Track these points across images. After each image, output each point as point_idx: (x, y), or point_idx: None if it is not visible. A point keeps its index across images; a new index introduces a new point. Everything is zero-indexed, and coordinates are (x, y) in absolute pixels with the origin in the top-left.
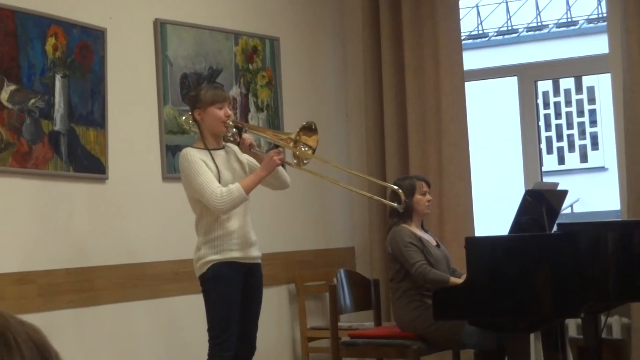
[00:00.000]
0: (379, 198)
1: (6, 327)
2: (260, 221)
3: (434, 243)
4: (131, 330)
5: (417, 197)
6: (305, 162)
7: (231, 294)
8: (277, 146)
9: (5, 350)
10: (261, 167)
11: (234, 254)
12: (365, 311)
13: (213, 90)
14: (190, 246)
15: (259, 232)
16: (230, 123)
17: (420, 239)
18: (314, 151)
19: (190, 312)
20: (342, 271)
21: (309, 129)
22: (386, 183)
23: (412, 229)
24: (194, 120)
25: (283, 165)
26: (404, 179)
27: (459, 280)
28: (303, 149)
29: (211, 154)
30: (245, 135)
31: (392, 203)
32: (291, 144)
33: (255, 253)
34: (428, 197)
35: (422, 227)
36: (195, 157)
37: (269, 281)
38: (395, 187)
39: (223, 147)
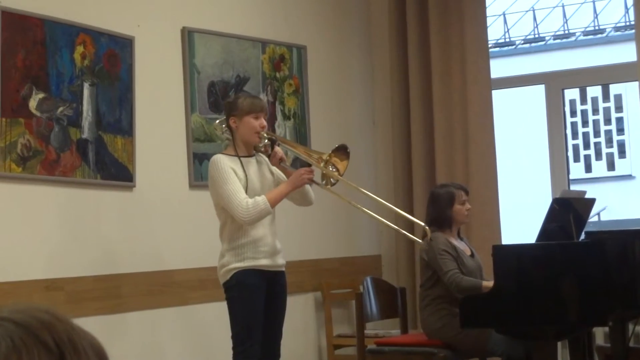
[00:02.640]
0: (405, 232)
1: (73, 333)
2: (286, 229)
3: (469, 252)
4: (158, 337)
5: (457, 206)
6: (333, 181)
7: (254, 301)
8: (309, 165)
9: (75, 355)
10: (288, 181)
11: (258, 262)
12: (392, 319)
13: (251, 100)
14: (217, 254)
15: (285, 240)
16: (264, 134)
17: (455, 248)
18: (341, 175)
19: (216, 320)
20: (368, 279)
21: (343, 151)
22: (415, 219)
23: (449, 237)
24: (228, 126)
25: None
26: (441, 187)
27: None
28: (332, 169)
29: (241, 161)
30: (277, 149)
31: (418, 239)
32: (322, 164)
33: (279, 261)
34: (467, 206)
35: (459, 235)
36: (225, 164)
37: (295, 289)
38: (423, 224)
39: (253, 155)
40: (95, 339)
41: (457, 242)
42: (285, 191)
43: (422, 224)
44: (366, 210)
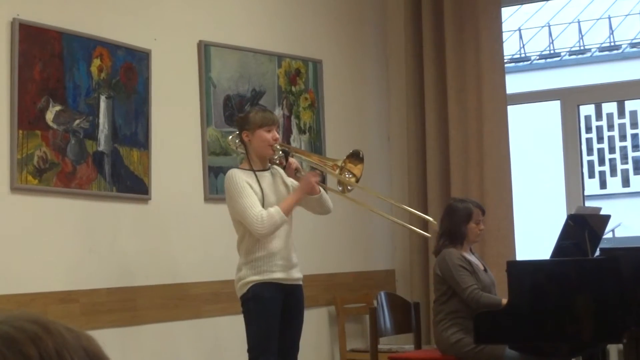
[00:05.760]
0: (413, 227)
1: (63, 346)
2: (301, 243)
3: (482, 267)
4: (173, 350)
5: (472, 225)
6: (349, 188)
7: (271, 314)
8: (314, 168)
9: None
10: (298, 188)
11: (275, 275)
12: (406, 334)
13: (262, 113)
14: (232, 267)
15: (299, 254)
16: (278, 146)
17: (469, 263)
18: (357, 180)
19: (231, 333)
20: (382, 294)
21: (356, 156)
22: (425, 215)
23: (462, 252)
24: (241, 141)
25: (326, 191)
26: (460, 201)
27: None
28: (347, 176)
29: (256, 175)
30: (291, 160)
31: (425, 233)
32: (337, 171)
33: (296, 274)
34: (481, 226)
35: (471, 251)
36: (240, 178)
37: (309, 303)
38: (431, 219)
39: (269, 169)
40: (91, 344)
41: (470, 257)
42: (296, 198)
43: (429, 218)
44: (384, 214)
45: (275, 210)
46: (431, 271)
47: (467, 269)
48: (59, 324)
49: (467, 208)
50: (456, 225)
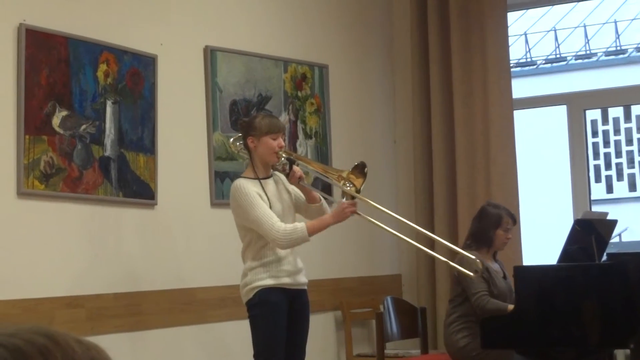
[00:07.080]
0: (455, 265)
1: (72, 358)
2: (307, 248)
3: (502, 275)
4: (179, 355)
5: (500, 231)
6: (352, 199)
7: (277, 319)
8: (352, 197)
9: None
10: (332, 215)
11: (282, 280)
12: (412, 339)
13: (269, 119)
14: (238, 272)
15: (306, 259)
16: (283, 154)
17: (487, 269)
18: (358, 191)
19: (237, 338)
20: (388, 298)
21: (360, 170)
22: (465, 253)
23: (484, 257)
24: (245, 146)
25: (328, 202)
26: (494, 207)
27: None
28: (348, 187)
29: (262, 184)
30: (295, 168)
31: (469, 272)
32: (341, 182)
33: (301, 279)
34: (509, 235)
35: (494, 257)
36: (250, 189)
37: (316, 307)
38: (473, 258)
39: (271, 176)
40: (100, 355)
41: (490, 263)
42: (327, 223)
43: (472, 257)
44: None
45: (300, 227)
46: (437, 276)
47: (483, 274)
48: (68, 336)
49: (499, 214)
50: (484, 229)
